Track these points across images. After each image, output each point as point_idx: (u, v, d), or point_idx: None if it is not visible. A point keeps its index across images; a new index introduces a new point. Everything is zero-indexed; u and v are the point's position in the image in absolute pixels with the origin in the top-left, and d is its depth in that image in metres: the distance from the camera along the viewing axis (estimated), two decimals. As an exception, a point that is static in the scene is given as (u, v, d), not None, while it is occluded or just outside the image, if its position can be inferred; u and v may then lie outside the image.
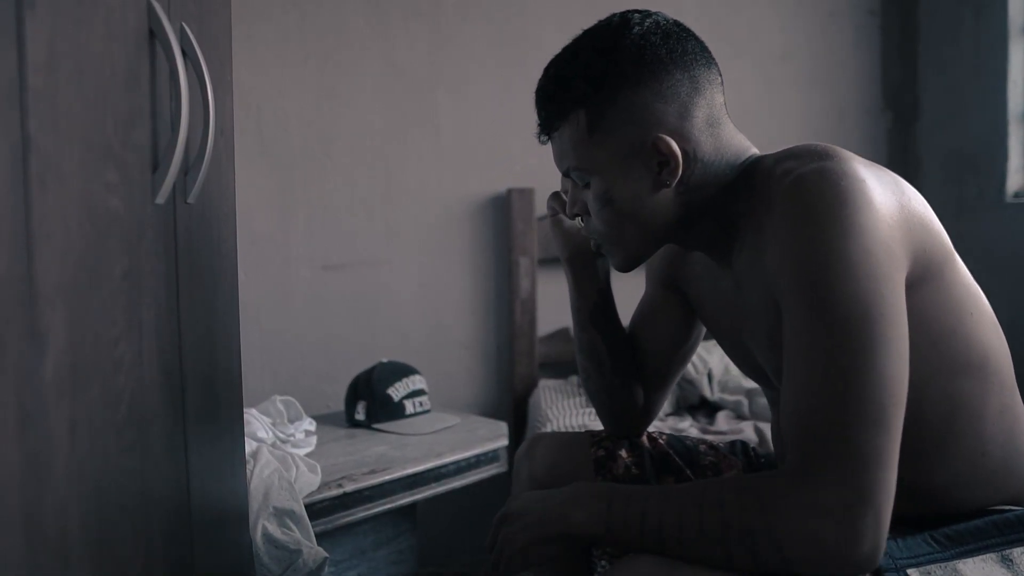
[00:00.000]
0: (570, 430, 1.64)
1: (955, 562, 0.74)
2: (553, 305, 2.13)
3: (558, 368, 2.14)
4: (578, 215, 0.89)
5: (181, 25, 0.65)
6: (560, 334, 2.12)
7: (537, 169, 2.04)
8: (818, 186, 0.69)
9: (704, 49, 0.82)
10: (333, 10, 1.98)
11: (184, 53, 0.63)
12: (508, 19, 2.05)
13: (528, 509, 0.80)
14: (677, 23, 0.82)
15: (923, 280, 0.73)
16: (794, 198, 0.70)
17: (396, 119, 2.04)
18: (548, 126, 0.84)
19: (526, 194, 2.02)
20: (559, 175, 0.91)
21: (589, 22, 0.84)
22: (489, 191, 2.08)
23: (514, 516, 0.81)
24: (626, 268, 0.88)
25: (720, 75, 0.83)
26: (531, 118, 0.87)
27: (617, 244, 0.85)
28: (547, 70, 0.85)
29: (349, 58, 2.00)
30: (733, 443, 1.07)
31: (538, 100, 0.85)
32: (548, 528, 0.77)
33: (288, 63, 1.97)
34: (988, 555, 0.74)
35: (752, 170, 0.80)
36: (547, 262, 2.08)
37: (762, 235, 0.75)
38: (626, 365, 1.03)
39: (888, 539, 0.71)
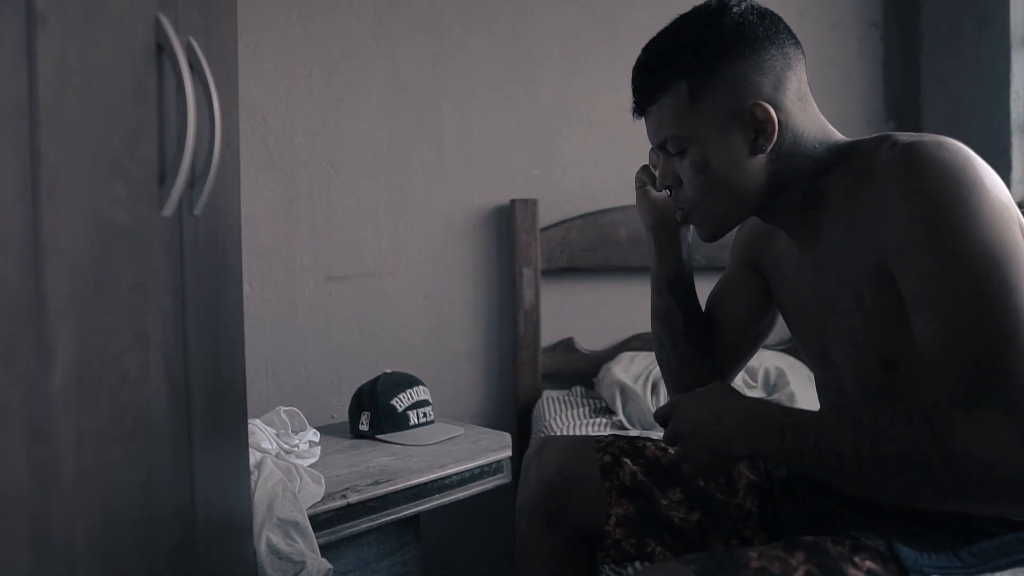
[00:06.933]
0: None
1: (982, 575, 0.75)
2: (556, 316, 2.13)
3: (562, 379, 2.14)
4: (668, 186, 0.93)
5: (188, 40, 0.66)
6: (563, 344, 2.12)
7: (539, 180, 2.05)
8: (939, 151, 0.74)
9: (792, 32, 0.87)
10: (338, 23, 2.00)
11: (191, 67, 0.64)
12: (512, 32, 2.06)
13: (701, 430, 0.81)
14: (769, 9, 0.87)
15: None
16: (917, 161, 0.74)
17: (400, 131, 2.05)
18: (648, 98, 0.88)
19: (529, 205, 2.02)
20: (561, 186, 0.93)
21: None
22: (492, 202, 2.09)
23: (690, 435, 0.82)
24: (713, 236, 0.92)
25: (804, 56, 0.88)
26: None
27: (708, 211, 0.90)
28: (647, 48, 0.89)
29: (354, 71, 2.01)
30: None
31: (638, 75, 0.89)
32: (727, 448, 0.80)
33: (293, 75, 1.98)
34: (1017, 570, 0.75)
35: (847, 150, 0.85)
36: (550, 273, 2.09)
37: (864, 204, 0.80)
38: (699, 336, 1.08)
39: (912, 551, 0.74)
